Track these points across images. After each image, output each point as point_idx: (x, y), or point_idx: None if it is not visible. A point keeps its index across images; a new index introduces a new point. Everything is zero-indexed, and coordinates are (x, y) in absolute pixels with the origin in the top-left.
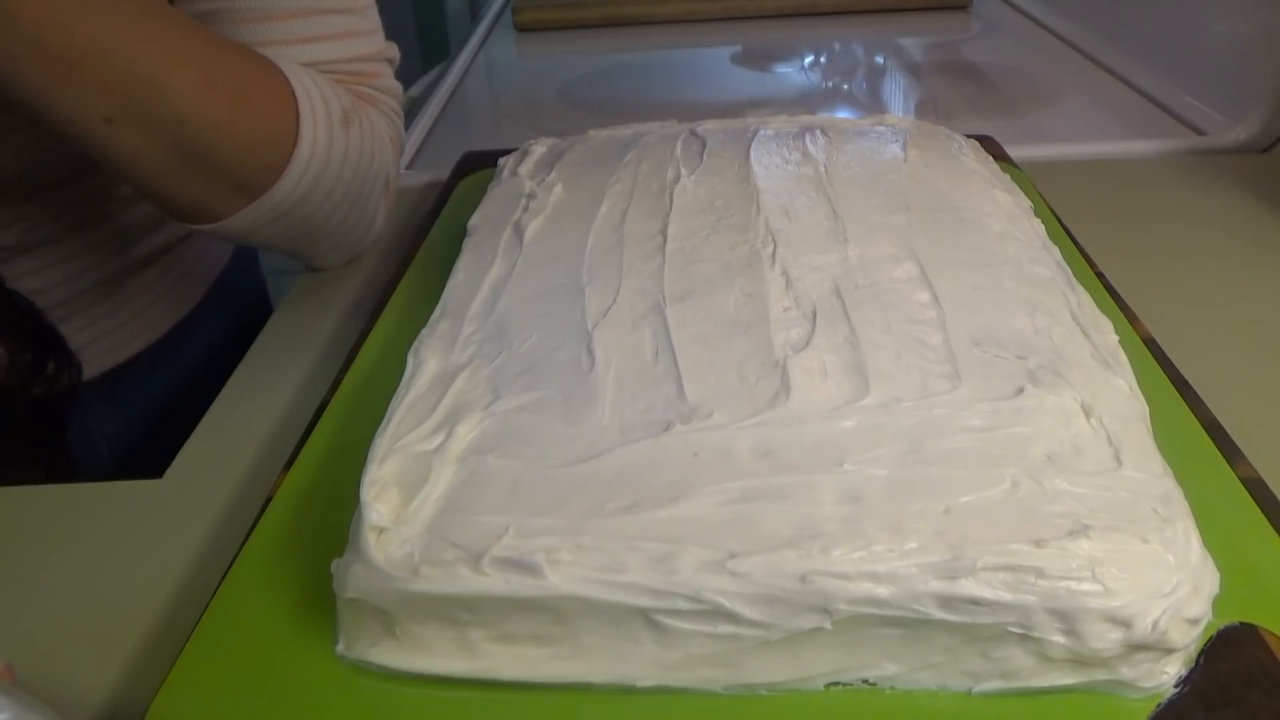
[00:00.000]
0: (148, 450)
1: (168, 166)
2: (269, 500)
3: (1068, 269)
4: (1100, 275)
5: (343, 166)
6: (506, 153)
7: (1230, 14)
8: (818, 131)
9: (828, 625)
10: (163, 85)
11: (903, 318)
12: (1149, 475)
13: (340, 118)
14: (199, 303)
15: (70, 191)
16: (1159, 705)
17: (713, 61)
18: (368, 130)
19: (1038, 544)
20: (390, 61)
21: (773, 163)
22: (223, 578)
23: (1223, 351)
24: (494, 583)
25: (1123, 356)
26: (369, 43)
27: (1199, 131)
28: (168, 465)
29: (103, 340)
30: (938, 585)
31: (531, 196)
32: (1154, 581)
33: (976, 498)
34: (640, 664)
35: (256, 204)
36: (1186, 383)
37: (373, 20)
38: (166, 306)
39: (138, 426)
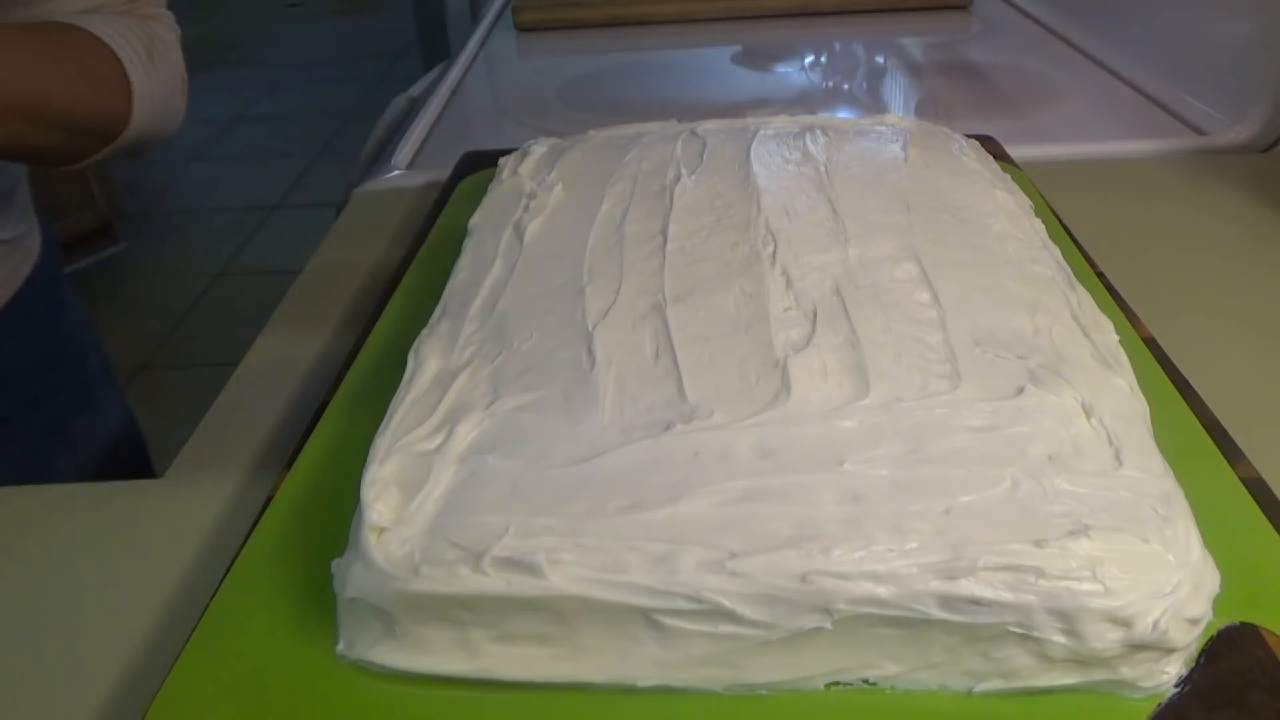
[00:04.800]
0: None
1: (39, 135)
2: (269, 500)
3: (1068, 269)
4: (1100, 275)
5: (159, 92)
6: (506, 153)
7: (1230, 14)
8: (818, 131)
9: (828, 625)
10: (54, 96)
11: (903, 317)
12: (1149, 475)
13: (145, 54)
14: None
15: None
16: (1159, 705)
17: (713, 61)
18: (162, 48)
19: (1038, 544)
20: None
21: (773, 163)
22: (223, 578)
23: (1223, 351)
24: (494, 583)
25: (1123, 356)
26: None
27: (1199, 131)
28: None
29: None
30: (938, 585)
31: (532, 196)
32: (1154, 581)
33: (977, 498)
34: (640, 664)
35: (113, 144)
36: (1187, 382)
37: None
38: None
39: None
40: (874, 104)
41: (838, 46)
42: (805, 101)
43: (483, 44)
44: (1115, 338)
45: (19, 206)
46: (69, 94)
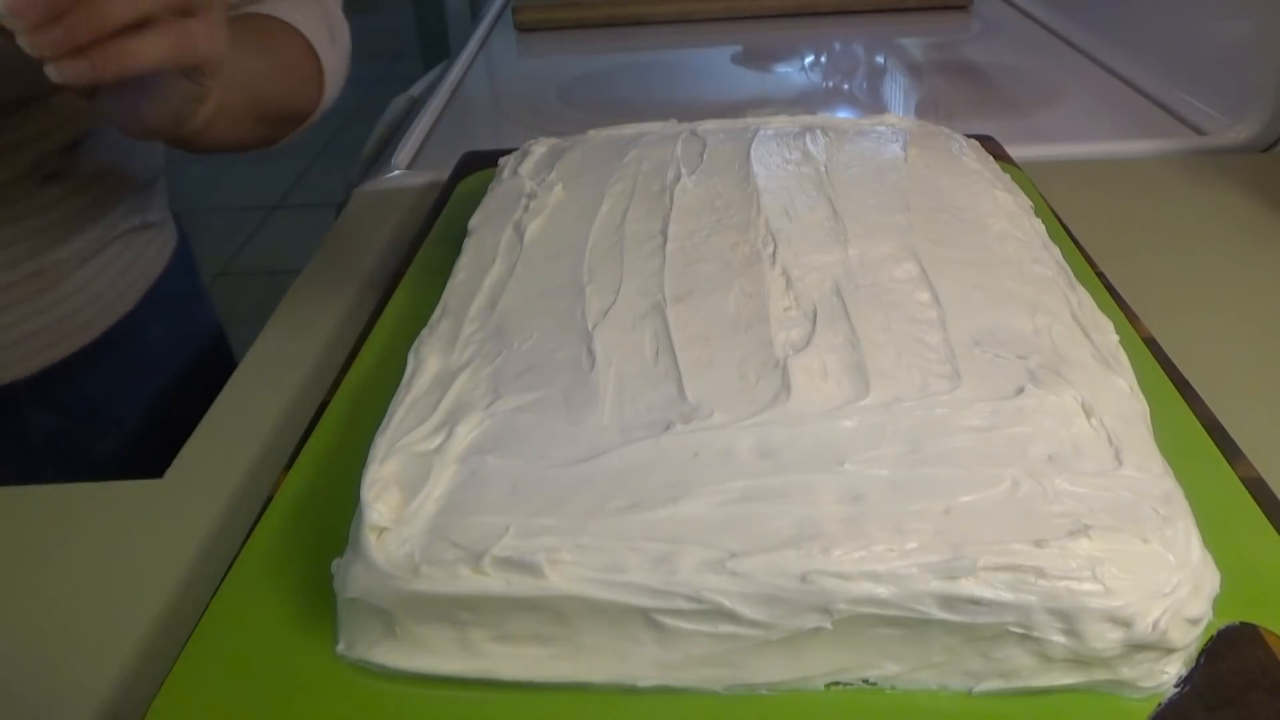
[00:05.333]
0: (86, 452)
1: (257, 132)
2: (269, 500)
3: (1068, 269)
4: (1100, 275)
5: (340, 73)
6: (506, 153)
7: (1230, 14)
8: (818, 131)
9: (828, 625)
10: (272, 95)
11: (903, 317)
12: (1149, 475)
13: (329, 38)
14: (136, 305)
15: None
16: (1159, 705)
17: (713, 61)
18: (339, 27)
19: (1038, 544)
20: None
21: (773, 163)
22: (223, 578)
23: (1223, 351)
24: (494, 582)
25: (1123, 356)
26: None
27: (1199, 131)
28: (106, 469)
29: (39, 335)
30: (938, 585)
31: (532, 196)
32: (1154, 581)
33: (977, 498)
34: (640, 664)
35: (301, 126)
36: (1187, 382)
37: None
38: (103, 306)
39: (75, 427)
40: (874, 104)
41: (838, 46)
42: (805, 101)
43: (483, 44)
44: (1115, 338)
45: (159, 194)
46: (283, 91)
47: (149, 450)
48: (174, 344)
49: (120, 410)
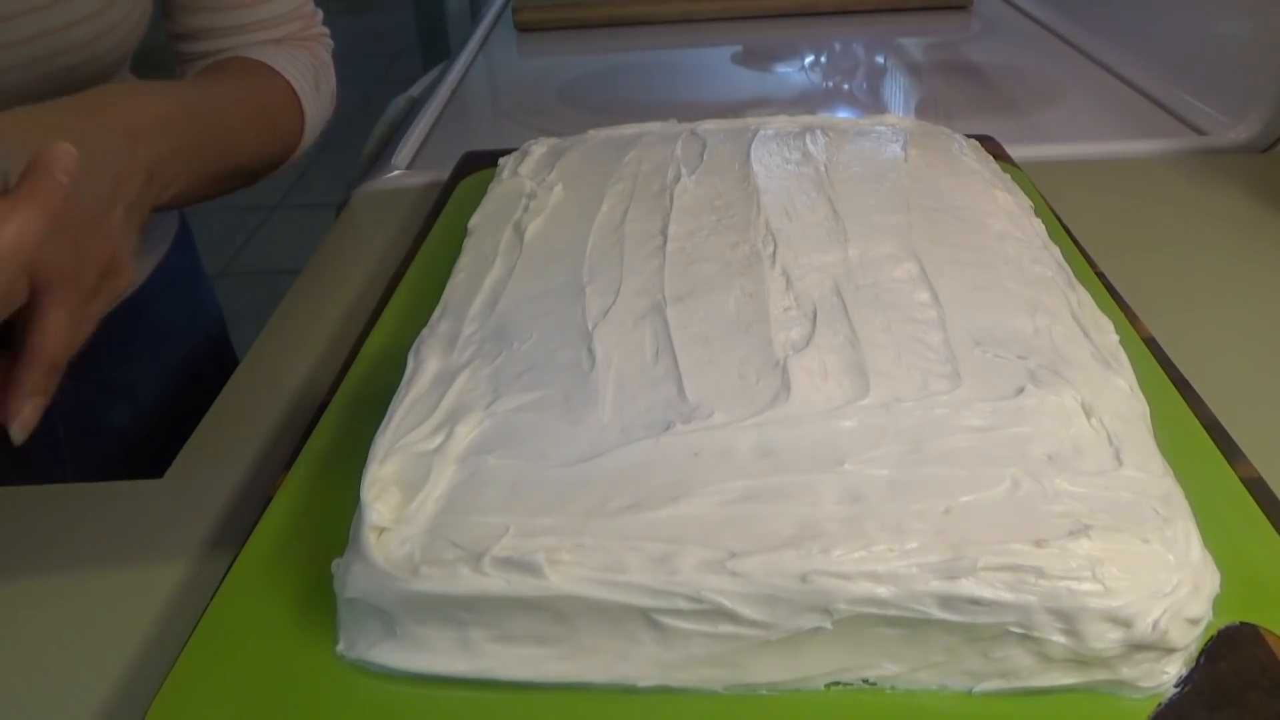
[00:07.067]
0: (103, 422)
1: (230, 187)
2: (269, 500)
3: (1068, 269)
4: (1100, 275)
5: (320, 119)
6: (506, 153)
7: (1230, 14)
8: (818, 131)
9: (828, 625)
10: (242, 163)
11: (903, 317)
12: (1149, 475)
13: (313, 84)
14: (147, 281)
15: None
16: (1159, 705)
17: (713, 61)
18: (324, 73)
19: (1038, 544)
20: None
21: (773, 163)
22: (223, 578)
23: (1223, 351)
24: (494, 582)
25: (1123, 356)
26: None
27: (1199, 131)
28: (120, 440)
29: None
30: (938, 585)
31: (532, 196)
32: (1154, 581)
33: (977, 497)
34: (640, 664)
35: (274, 172)
36: (1187, 382)
37: None
38: None
39: (92, 399)
40: (874, 104)
41: (838, 46)
42: (805, 101)
43: (483, 44)
44: (1115, 338)
45: None
46: (261, 155)
47: (160, 426)
48: (181, 320)
49: (134, 383)
